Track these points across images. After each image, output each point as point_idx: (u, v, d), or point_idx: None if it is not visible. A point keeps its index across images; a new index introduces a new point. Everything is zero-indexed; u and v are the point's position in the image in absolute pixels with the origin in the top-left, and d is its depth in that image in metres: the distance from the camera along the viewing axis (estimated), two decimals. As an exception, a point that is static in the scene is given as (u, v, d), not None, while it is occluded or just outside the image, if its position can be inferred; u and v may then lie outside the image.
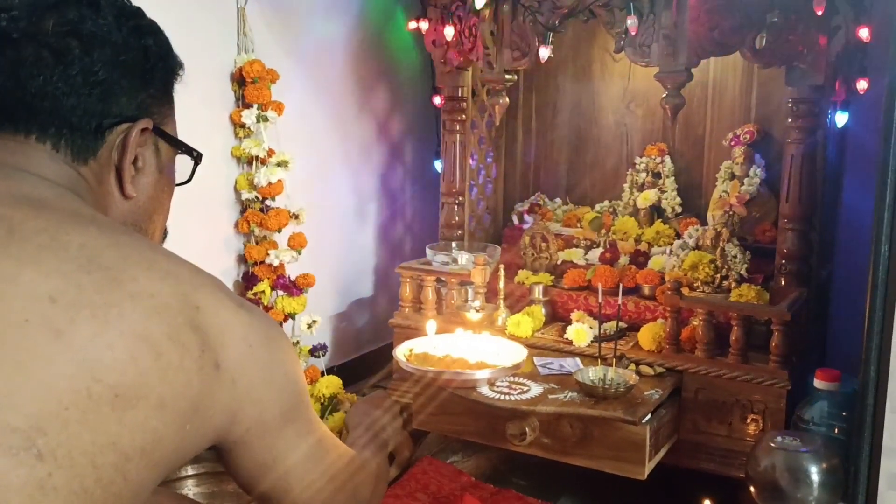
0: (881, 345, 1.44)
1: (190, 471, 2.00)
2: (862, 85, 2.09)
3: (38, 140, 0.81)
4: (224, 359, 0.75)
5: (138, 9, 0.88)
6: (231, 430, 0.79)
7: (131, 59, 0.84)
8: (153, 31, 0.89)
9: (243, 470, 0.84)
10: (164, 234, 0.97)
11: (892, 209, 1.42)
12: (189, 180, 0.97)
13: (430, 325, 2.03)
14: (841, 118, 2.12)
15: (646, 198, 2.56)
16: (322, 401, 2.29)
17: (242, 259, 2.34)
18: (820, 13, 1.89)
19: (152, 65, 0.87)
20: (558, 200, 2.80)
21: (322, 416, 2.27)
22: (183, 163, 0.96)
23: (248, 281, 2.31)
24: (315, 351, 2.39)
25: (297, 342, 2.37)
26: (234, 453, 0.82)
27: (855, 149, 2.28)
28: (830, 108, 2.11)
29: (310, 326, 2.35)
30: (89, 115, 0.82)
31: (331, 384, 2.31)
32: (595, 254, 2.46)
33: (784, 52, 1.99)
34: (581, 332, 2.13)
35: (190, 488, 1.98)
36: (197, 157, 0.95)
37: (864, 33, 1.96)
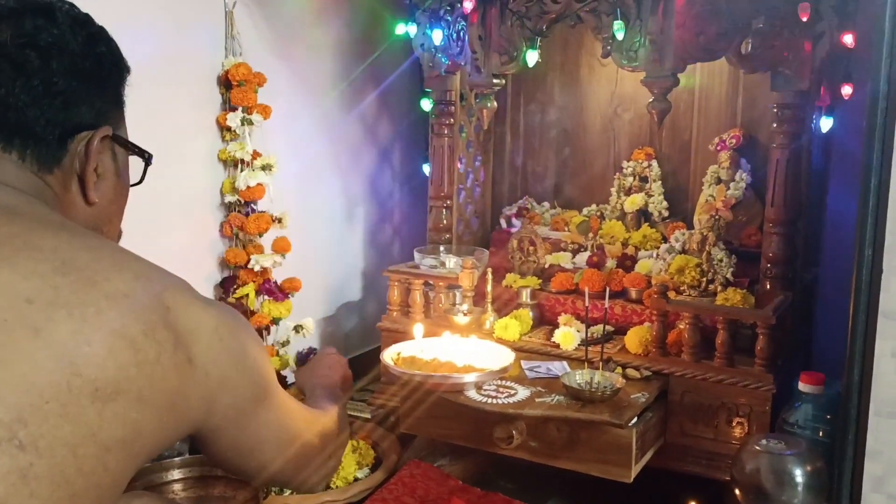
0: (865, 348, 1.45)
1: (177, 475, 1.99)
2: (846, 90, 2.10)
3: (5, 150, 0.83)
4: (196, 354, 0.79)
5: (87, 15, 0.90)
6: (207, 420, 0.83)
7: (88, 67, 0.86)
8: (104, 37, 0.91)
9: (221, 453, 0.89)
10: (119, 235, 0.99)
11: (875, 213, 1.43)
12: (141, 181, 0.98)
13: (418, 328, 2.03)
14: (826, 123, 2.13)
15: (633, 202, 2.58)
16: None
17: (226, 263, 2.34)
18: (805, 19, 1.91)
19: (107, 71, 0.89)
20: (546, 204, 2.80)
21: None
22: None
23: (227, 284, 2.30)
24: (301, 357, 2.38)
25: (288, 341, 2.36)
26: (212, 439, 0.86)
27: (840, 154, 2.29)
28: (815, 113, 2.12)
29: (297, 331, 2.34)
30: (52, 125, 0.84)
31: None
32: (583, 257, 2.47)
33: (769, 58, 2.01)
34: (568, 335, 2.14)
35: (177, 493, 1.97)
36: (148, 159, 0.97)
37: (848, 39, 1.98)
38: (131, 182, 0.97)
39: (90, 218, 0.90)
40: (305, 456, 1.01)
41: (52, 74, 0.82)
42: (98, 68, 0.87)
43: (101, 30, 0.90)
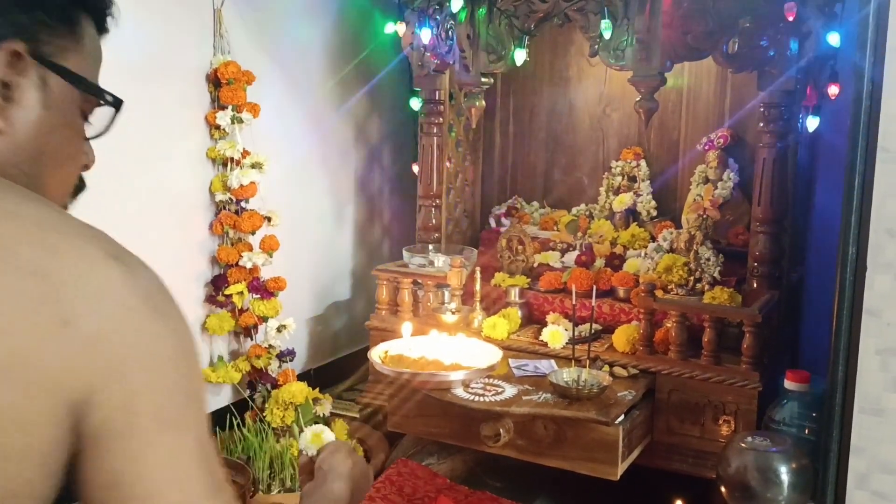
0: (849, 346, 1.46)
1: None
2: (833, 90, 2.11)
3: None
4: (78, 315, 0.63)
5: None
6: (88, 413, 0.63)
7: None
8: None
9: (95, 490, 0.65)
10: (78, 190, 0.85)
11: (859, 212, 1.44)
12: (105, 131, 0.84)
13: (406, 326, 2.03)
14: (812, 123, 2.14)
15: (621, 201, 2.58)
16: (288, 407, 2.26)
17: (216, 261, 2.33)
18: (791, 19, 1.92)
19: None
20: (535, 203, 2.81)
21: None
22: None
23: (217, 283, 2.30)
24: (283, 356, 2.37)
25: (270, 346, 2.35)
26: (88, 460, 0.64)
27: (826, 153, 2.30)
28: (802, 112, 2.13)
29: (280, 330, 2.34)
30: None
31: (299, 392, 2.28)
32: (571, 257, 2.47)
33: (756, 57, 2.02)
34: (556, 334, 2.14)
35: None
36: (115, 103, 0.83)
37: (834, 39, 1.99)
38: (93, 133, 0.83)
39: (3, 151, 0.75)
40: None
41: None
42: None
43: None
